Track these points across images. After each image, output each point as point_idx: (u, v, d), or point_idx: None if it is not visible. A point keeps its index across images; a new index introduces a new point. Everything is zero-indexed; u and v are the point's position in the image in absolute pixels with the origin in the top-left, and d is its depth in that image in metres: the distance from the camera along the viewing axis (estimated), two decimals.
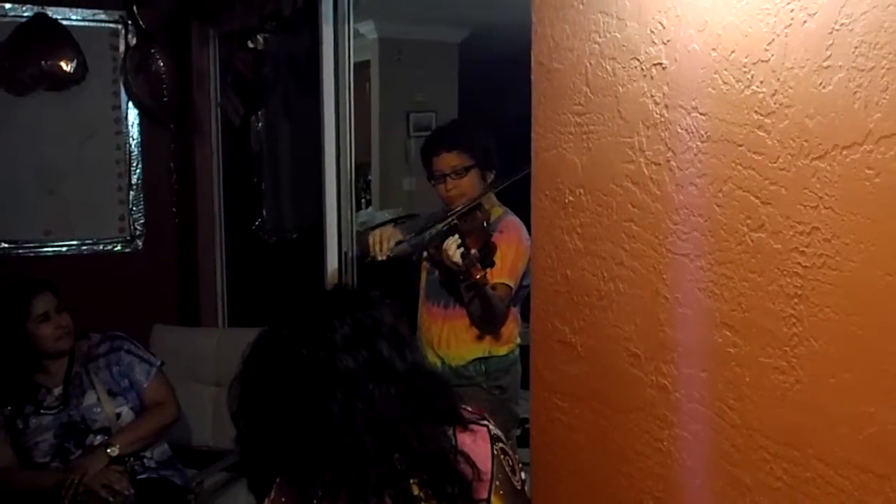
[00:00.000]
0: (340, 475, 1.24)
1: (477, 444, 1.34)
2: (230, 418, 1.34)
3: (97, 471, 2.42)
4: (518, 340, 2.64)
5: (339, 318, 1.30)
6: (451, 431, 1.33)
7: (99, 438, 2.55)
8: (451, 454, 1.29)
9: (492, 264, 2.32)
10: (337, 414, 1.24)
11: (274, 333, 1.32)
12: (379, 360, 1.29)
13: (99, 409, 2.57)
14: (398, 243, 2.49)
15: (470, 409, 1.42)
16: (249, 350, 1.34)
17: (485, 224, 2.39)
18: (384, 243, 2.46)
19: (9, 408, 2.53)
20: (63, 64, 3.53)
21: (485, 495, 1.30)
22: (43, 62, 3.50)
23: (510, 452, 1.38)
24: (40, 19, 3.53)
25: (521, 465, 1.41)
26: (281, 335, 1.31)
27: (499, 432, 1.39)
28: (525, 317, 2.46)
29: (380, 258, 2.46)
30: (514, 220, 2.54)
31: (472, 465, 1.30)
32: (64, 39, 3.54)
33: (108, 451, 2.46)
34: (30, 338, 2.52)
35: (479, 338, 2.55)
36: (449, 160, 2.54)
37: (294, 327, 1.31)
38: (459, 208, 2.45)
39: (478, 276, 2.26)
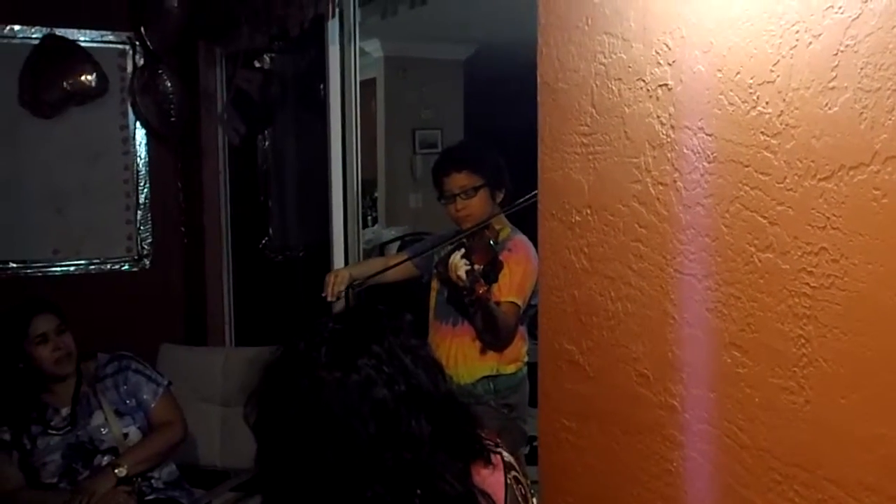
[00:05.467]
0: None
1: (494, 476, 1.29)
2: (250, 429, 1.24)
3: (105, 491, 2.41)
4: (526, 359, 2.64)
5: (377, 342, 1.21)
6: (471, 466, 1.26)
7: (107, 459, 2.54)
8: (475, 495, 1.23)
9: (495, 280, 2.33)
10: (366, 452, 1.15)
11: (305, 350, 1.21)
12: (417, 394, 1.19)
13: (106, 430, 2.57)
14: (351, 284, 2.63)
15: (484, 433, 1.39)
16: (274, 361, 1.24)
17: (491, 242, 2.41)
18: (337, 286, 2.59)
19: (8, 431, 2.52)
20: (85, 79, 3.56)
21: None
22: (64, 82, 3.53)
23: (522, 480, 1.35)
24: (51, 39, 3.56)
25: (532, 492, 1.40)
26: (312, 353, 1.20)
27: (512, 459, 1.35)
28: (533, 335, 2.47)
29: (329, 299, 2.60)
30: (522, 239, 2.55)
31: None
32: (79, 55, 3.57)
33: (116, 471, 2.46)
34: (30, 359, 2.52)
35: (483, 352, 2.55)
36: (459, 181, 2.56)
37: (328, 346, 1.20)
38: (468, 229, 2.47)
39: (481, 292, 2.28)
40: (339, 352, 1.20)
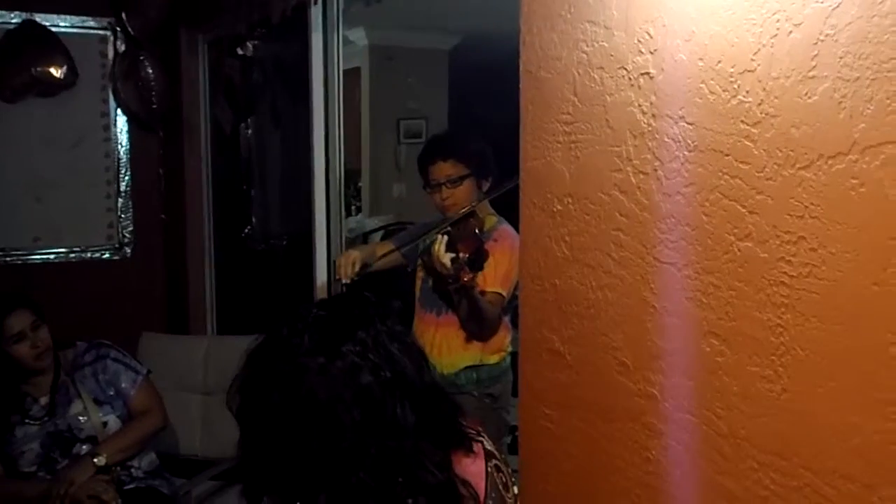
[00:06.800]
0: (337, 502, 1.16)
1: (475, 465, 1.28)
2: (233, 416, 1.23)
3: (84, 481, 2.39)
4: (509, 349, 2.64)
5: (363, 328, 1.20)
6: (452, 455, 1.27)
7: (86, 448, 2.53)
8: (456, 484, 1.23)
9: (481, 268, 2.33)
10: (350, 438, 1.14)
11: (288, 336, 1.20)
12: (402, 381, 1.19)
13: (85, 418, 2.55)
14: (363, 266, 2.56)
15: (466, 421, 1.39)
16: (257, 347, 1.23)
17: (476, 231, 2.41)
18: (349, 267, 2.53)
19: None
20: (53, 70, 3.52)
21: None
22: (33, 69, 3.49)
23: (503, 468, 1.35)
24: (29, 26, 3.51)
25: (513, 480, 1.40)
26: (295, 340, 1.19)
27: (492, 448, 1.35)
28: (515, 324, 2.47)
29: (344, 281, 2.54)
30: (508, 228, 2.54)
31: (474, 495, 1.25)
32: (53, 45, 3.53)
33: (95, 460, 2.44)
34: (9, 357, 2.49)
35: (468, 341, 2.54)
36: (444, 169, 2.55)
37: (312, 333, 1.19)
38: (453, 217, 2.47)
39: (466, 279, 2.28)
40: (323, 338, 1.19)
